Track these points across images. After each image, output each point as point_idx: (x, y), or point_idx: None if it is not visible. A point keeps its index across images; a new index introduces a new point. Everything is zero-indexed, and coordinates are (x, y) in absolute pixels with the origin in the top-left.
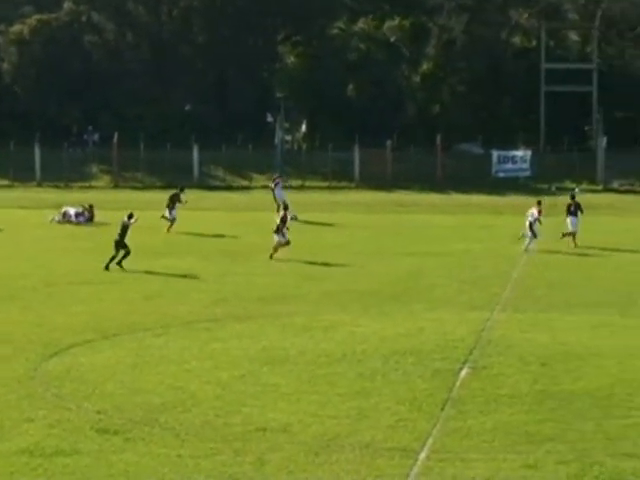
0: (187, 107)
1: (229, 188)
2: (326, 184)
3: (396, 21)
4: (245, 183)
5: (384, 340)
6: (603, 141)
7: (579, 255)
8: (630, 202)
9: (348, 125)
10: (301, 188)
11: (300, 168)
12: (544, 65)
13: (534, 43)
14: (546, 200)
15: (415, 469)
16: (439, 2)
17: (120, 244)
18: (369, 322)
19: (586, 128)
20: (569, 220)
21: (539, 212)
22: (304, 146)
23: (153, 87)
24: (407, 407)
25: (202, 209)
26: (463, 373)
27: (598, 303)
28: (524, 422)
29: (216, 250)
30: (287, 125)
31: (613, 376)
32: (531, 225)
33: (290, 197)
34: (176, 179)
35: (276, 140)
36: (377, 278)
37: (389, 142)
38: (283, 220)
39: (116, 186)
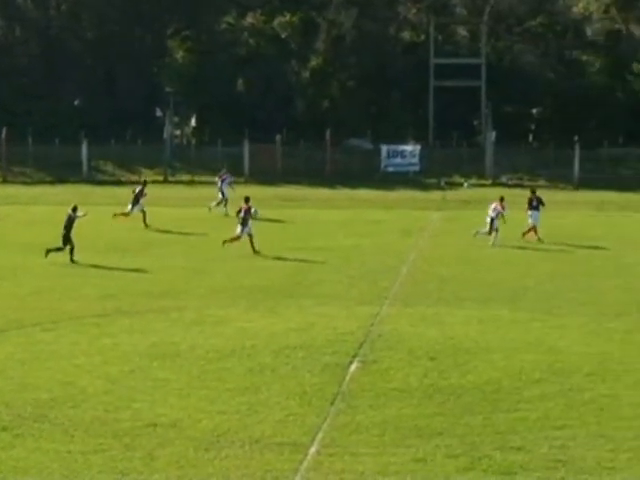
0: (76, 102)
1: (118, 183)
2: (215, 179)
3: (287, 17)
4: (134, 178)
5: (274, 335)
6: (492, 136)
7: (468, 250)
8: (518, 196)
9: (238, 120)
10: (190, 183)
11: (189, 163)
12: (433, 60)
13: (423, 38)
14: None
15: (305, 464)
16: None
17: (67, 238)
18: (258, 317)
19: (475, 123)
20: (530, 214)
21: (502, 207)
22: (193, 141)
23: (42, 82)
24: (297, 402)
25: (92, 204)
26: (353, 367)
27: (487, 298)
28: (413, 416)
29: (106, 245)
30: (176, 120)
31: (501, 370)
32: (492, 220)
33: (179, 192)
34: (65, 174)
35: (165, 135)
36: (266, 273)
37: (279, 137)
38: (247, 211)
39: (5, 181)
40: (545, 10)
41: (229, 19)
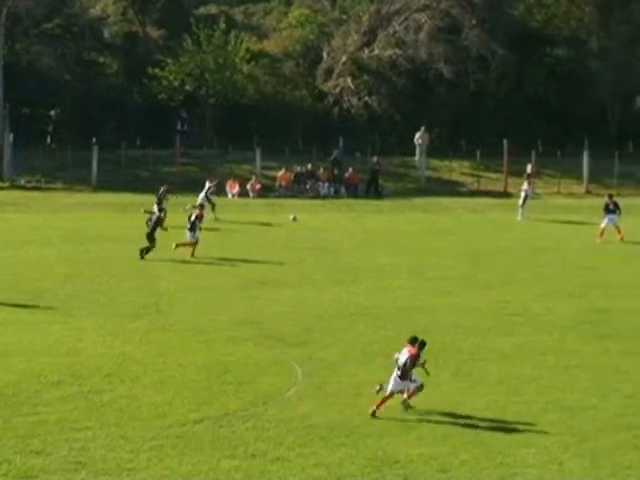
0: None
1: None
2: None
3: None
4: None
5: None
6: (9, 137)
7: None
8: (37, 198)
9: None
10: None
11: None
12: None
13: None
14: None
15: None
16: None
17: None
18: None
19: None
20: (607, 218)
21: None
22: None
23: None
24: None
25: None
26: None
27: (5, 300)
28: None
29: None
30: None
31: (20, 373)
32: None
33: None
34: None
35: None
36: None
37: None
38: (199, 217)
39: None
40: (63, 12)
41: None
